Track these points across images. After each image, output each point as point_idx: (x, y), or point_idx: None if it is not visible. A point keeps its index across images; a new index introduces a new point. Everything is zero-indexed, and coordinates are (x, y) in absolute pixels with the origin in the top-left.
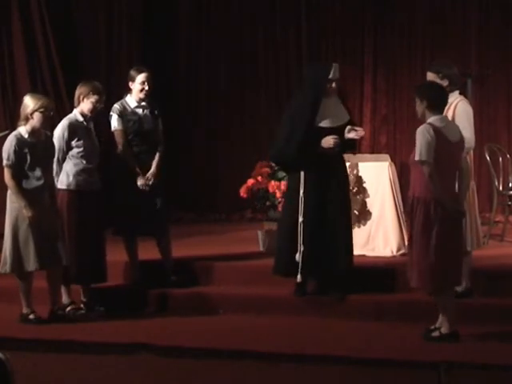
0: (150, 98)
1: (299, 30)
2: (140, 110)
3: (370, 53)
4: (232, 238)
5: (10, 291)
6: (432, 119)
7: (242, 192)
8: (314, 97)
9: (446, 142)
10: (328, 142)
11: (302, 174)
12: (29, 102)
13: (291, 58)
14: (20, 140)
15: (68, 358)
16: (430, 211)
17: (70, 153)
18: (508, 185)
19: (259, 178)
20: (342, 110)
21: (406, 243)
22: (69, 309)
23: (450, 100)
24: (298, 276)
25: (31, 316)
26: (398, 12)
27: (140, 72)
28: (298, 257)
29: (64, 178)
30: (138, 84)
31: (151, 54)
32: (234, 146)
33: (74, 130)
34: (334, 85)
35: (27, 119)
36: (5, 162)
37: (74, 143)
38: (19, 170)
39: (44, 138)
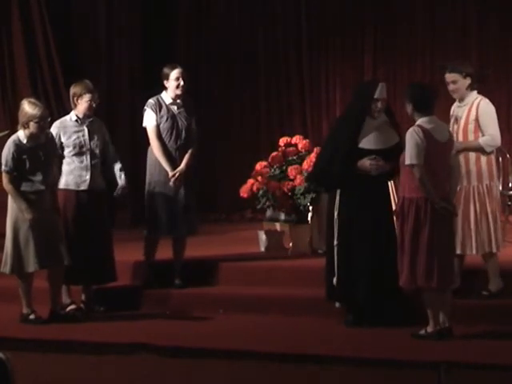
0: (185, 95)
1: (299, 30)
2: (175, 107)
3: (370, 53)
4: (232, 238)
5: (10, 291)
6: (421, 121)
7: (242, 192)
8: (357, 116)
9: (434, 143)
10: (364, 164)
11: (338, 196)
12: (25, 110)
13: (291, 58)
14: (18, 145)
15: (68, 358)
16: (421, 212)
17: (64, 152)
18: (508, 185)
19: (259, 177)
20: (388, 132)
21: (398, 243)
22: (69, 309)
23: (470, 99)
24: (336, 302)
25: (31, 316)
26: (397, 12)
27: (173, 68)
28: (334, 281)
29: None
30: (172, 81)
31: (151, 53)
32: (234, 146)
33: (64, 129)
34: (379, 105)
35: (24, 126)
36: (3, 167)
37: (65, 143)
38: (19, 174)
39: (44, 141)
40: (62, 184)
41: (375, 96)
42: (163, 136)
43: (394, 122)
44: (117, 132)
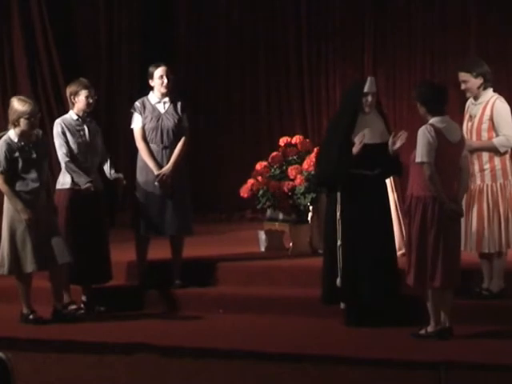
0: (173, 93)
1: (299, 32)
2: (161, 106)
3: (370, 53)
4: (232, 237)
5: (10, 292)
6: (433, 120)
7: (243, 192)
8: (349, 111)
9: (446, 143)
10: (356, 147)
11: (339, 196)
12: (15, 108)
13: (291, 60)
14: (10, 145)
15: (68, 358)
16: (428, 210)
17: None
18: None
19: (259, 177)
20: (381, 127)
21: (406, 241)
22: (69, 308)
23: (485, 98)
24: (341, 303)
25: (31, 316)
26: (397, 14)
27: (157, 67)
28: (338, 282)
29: (60, 178)
30: (156, 79)
31: (151, 53)
32: (235, 147)
33: (67, 128)
34: (369, 98)
35: (15, 124)
36: None
37: (67, 142)
38: (13, 174)
39: (35, 139)
40: (67, 184)
41: (365, 90)
42: (148, 136)
43: (384, 116)
44: (116, 132)
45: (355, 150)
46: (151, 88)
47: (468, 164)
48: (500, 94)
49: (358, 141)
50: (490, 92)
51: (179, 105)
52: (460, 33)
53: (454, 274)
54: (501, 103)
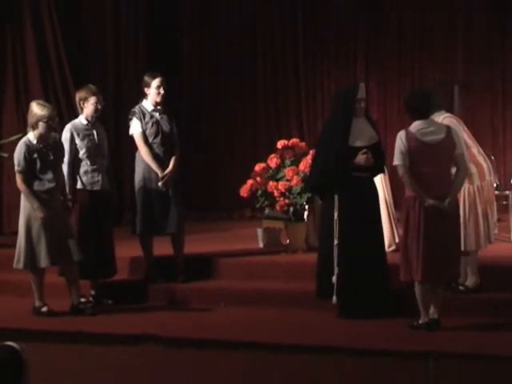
0: (165, 102)
1: (296, 43)
2: (157, 114)
3: (362, 59)
4: (233, 235)
5: (23, 286)
6: (413, 125)
7: (242, 192)
8: (345, 116)
9: (420, 145)
10: (360, 159)
11: (336, 197)
12: (34, 111)
13: (288, 66)
14: (29, 146)
15: (78, 348)
16: (410, 210)
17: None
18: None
19: (258, 178)
20: (370, 130)
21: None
22: (78, 302)
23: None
24: (334, 298)
25: (43, 309)
26: (388, 25)
27: (154, 77)
28: (333, 279)
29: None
30: (153, 89)
31: (156, 61)
32: (235, 149)
33: (77, 131)
34: (362, 104)
35: (33, 127)
36: (16, 167)
37: (77, 145)
38: (31, 174)
39: (53, 142)
40: (78, 185)
41: (358, 96)
42: (150, 141)
43: (372, 121)
44: (124, 136)
45: (359, 160)
46: (144, 95)
47: (464, 162)
48: (484, 106)
49: (364, 155)
50: (443, 112)
51: (170, 113)
52: (447, 42)
53: (435, 270)
54: (449, 120)
